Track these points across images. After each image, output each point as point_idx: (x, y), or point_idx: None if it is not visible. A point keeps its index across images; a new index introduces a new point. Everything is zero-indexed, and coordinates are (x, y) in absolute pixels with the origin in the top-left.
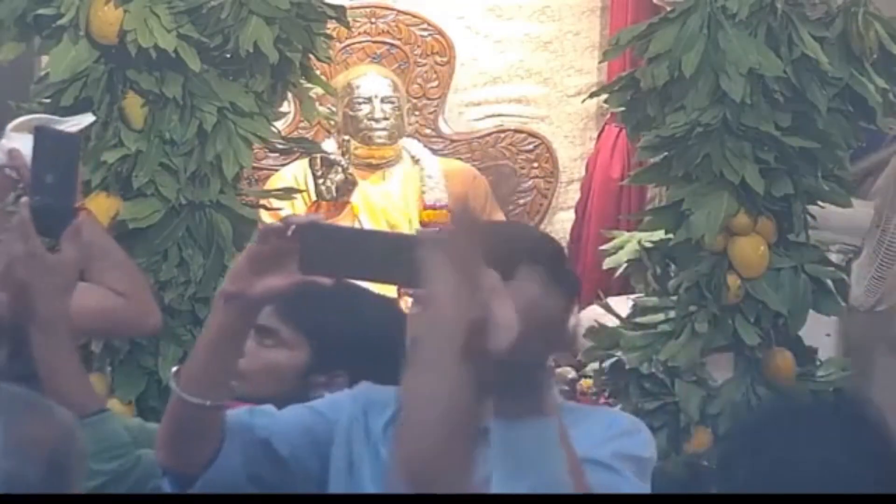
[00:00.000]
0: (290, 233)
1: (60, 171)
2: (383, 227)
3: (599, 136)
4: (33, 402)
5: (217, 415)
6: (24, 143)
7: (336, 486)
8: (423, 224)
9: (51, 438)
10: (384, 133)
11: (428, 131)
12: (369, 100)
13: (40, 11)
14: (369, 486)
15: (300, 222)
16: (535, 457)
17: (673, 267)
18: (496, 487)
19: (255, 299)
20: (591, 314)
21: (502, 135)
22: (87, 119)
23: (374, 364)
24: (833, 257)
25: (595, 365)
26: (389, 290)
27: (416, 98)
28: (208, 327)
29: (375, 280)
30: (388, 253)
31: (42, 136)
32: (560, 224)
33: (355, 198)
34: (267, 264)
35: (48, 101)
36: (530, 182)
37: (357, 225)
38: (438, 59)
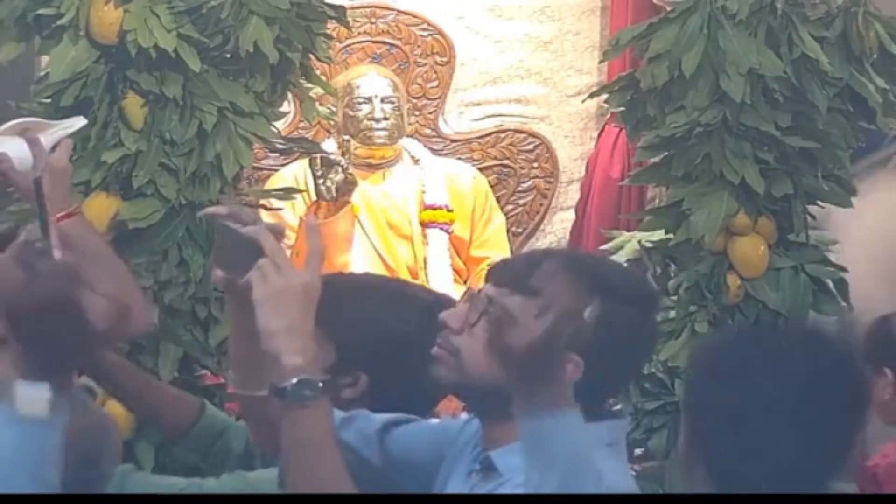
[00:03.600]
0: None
1: None
2: (383, 227)
3: (599, 136)
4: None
5: (266, 403)
6: (11, 147)
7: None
8: (422, 224)
9: (82, 434)
10: (384, 133)
11: (428, 131)
12: (369, 100)
13: (40, 11)
14: None
15: (208, 212)
16: (566, 446)
17: (673, 267)
18: (527, 480)
19: (221, 287)
20: None
21: (502, 135)
22: (78, 122)
23: (396, 365)
24: (833, 257)
25: None
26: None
27: (416, 98)
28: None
29: (234, 276)
30: (239, 249)
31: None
32: (560, 224)
33: (355, 198)
34: None
35: (48, 101)
36: (530, 182)
37: (357, 226)
38: (438, 59)
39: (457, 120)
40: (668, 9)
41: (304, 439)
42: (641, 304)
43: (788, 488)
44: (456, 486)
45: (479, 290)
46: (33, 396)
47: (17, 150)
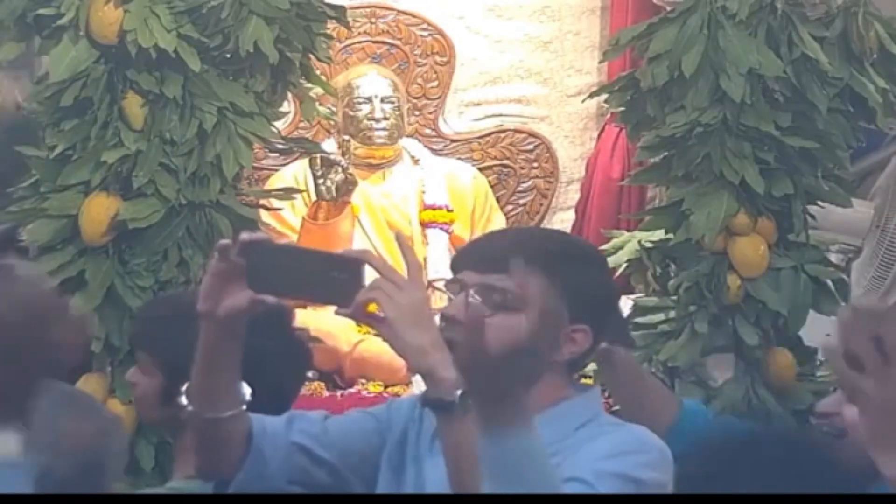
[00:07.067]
0: (235, 251)
1: None
2: (383, 227)
3: (599, 136)
4: (75, 399)
5: (232, 424)
6: None
7: (382, 487)
8: (422, 224)
9: (89, 436)
10: (384, 133)
11: (428, 131)
12: (369, 100)
13: (40, 11)
14: (410, 489)
15: (244, 240)
16: (524, 468)
17: (673, 267)
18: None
19: (222, 318)
20: None
21: (502, 135)
22: None
23: None
24: (833, 257)
25: (595, 365)
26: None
27: (416, 98)
28: (198, 344)
29: (315, 300)
30: (327, 272)
31: None
32: (560, 224)
33: (355, 198)
34: (228, 281)
35: (48, 101)
36: (530, 182)
37: (357, 226)
38: (438, 59)
39: (457, 120)
40: (668, 9)
41: (469, 443)
42: (595, 259)
43: None
44: (429, 469)
45: (458, 278)
46: None
47: None
